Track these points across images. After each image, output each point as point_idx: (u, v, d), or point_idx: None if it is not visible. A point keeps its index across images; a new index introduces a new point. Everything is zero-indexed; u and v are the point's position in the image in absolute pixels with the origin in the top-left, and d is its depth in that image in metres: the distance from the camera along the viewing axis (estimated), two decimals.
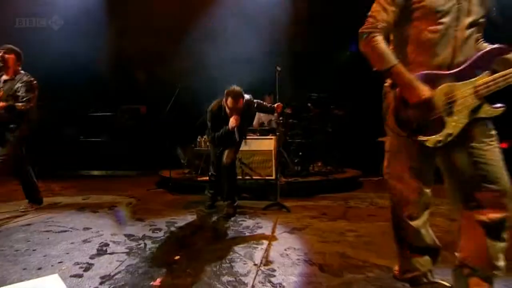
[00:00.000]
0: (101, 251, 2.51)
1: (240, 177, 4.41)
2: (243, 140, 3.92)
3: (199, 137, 5.02)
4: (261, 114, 5.43)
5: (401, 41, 1.59)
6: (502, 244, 1.49)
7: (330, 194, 4.71)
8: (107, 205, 4.11)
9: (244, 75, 4.90)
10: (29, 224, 3.21)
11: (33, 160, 3.91)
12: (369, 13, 1.58)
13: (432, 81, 1.48)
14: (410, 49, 1.56)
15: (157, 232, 3.00)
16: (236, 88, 3.50)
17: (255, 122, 5.36)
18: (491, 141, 1.49)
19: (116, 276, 2.06)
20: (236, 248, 2.57)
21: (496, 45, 1.48)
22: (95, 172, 6.99)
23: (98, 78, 6.92)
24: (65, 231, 3.01)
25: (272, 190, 4.15)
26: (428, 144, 1.48)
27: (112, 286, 1.92)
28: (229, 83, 3.57)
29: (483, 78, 1.44)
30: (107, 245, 2.64)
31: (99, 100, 7.18)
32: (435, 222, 2.97)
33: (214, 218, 3.55)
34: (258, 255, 2.43)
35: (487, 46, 1.51)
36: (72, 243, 2.68)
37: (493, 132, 1.51)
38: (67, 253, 2.44)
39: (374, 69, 1.55)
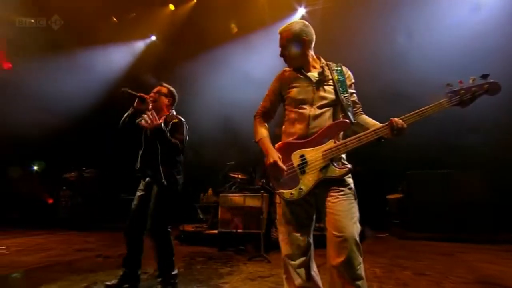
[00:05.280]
0: None
1: (235, 230, 4.69)
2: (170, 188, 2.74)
3: (201, 194, 5.49)
4: None
5: (284, 119, 2.00)
6: (358, 282, 1.63)
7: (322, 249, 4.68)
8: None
9: None
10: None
11: None
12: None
13: (291, 147, 1.82)
14: (285, 124, 1.96)
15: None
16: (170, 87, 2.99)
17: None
18: (341, 195, 1.71)
19: None
20: None
21: (338, 120, 1.80)
22: None
23: None
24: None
25: (264, 242, 4.32)
26: (284, 196, 1.77)
27: None
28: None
29: (329, 145, 1.75)
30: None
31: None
32: None
33: (198, 263, 3.80)
34: None
35: (336, 120, 1.83)
36: None
37: (344, 187, 1.73)
38: None
39: (253, 141, 1.97)
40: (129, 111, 2.78)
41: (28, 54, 7.25)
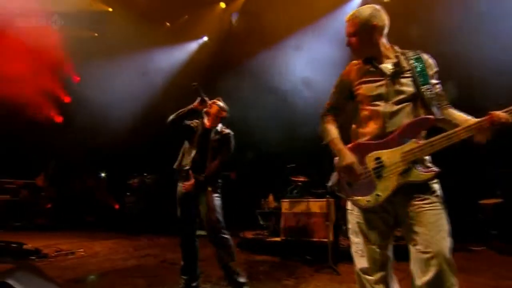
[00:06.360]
0: None
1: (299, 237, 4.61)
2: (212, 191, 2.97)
3: (262, 200, 5.48)
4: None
5: (354, 117, 1.87)
6: None
7: (400, 262, 4.36)
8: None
9: None
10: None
11: None
12: None
13: (364, 149, 1.67)
14: (356, 122, 1.82)
15: None
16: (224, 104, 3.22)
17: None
18: (426, 203, 1.52)
19: None
20: None
21: (420, 117, 1.61)
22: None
23: None
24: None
25: (332, 252, 4.16)
26: (359, 203, 1.64)
27: None
28: None
29: (410, 145, 1.57)
30: None
31: None
32: None
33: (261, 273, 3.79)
34: None
35: (417, 117, 1.64)
36: None
37: (430, 195, 1.54)
38: None
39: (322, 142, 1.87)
40: (188, 107, 3.05)
41: (90, 65, 8.11)
